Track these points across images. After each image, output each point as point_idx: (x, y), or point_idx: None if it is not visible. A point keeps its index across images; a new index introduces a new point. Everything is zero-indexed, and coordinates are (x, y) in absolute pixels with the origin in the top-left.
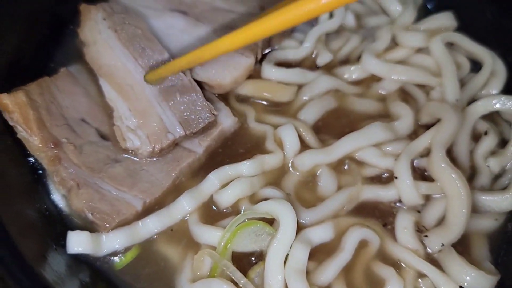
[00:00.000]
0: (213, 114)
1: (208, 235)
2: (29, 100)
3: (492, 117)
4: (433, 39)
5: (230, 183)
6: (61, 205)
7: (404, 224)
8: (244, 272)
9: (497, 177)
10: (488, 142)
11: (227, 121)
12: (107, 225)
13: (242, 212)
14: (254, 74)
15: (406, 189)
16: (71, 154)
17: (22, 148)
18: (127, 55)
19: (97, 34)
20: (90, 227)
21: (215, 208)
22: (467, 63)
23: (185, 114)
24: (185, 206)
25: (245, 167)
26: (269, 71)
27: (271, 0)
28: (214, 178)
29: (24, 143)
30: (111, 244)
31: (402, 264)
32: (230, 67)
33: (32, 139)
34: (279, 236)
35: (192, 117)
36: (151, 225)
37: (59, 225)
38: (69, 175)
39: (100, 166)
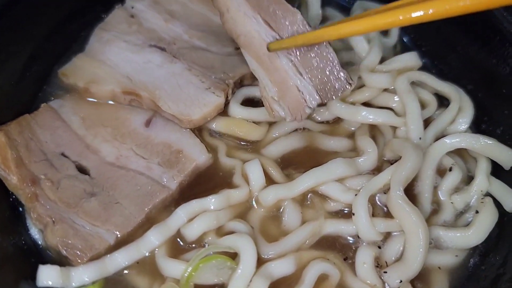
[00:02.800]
0: (349, 83)
1: (173, 268)
2: (8, 140)
3: (461, 153)
4: (399, 78)
5: (196, 217)
6: (38, 239)
7: (363, 259)
8: None
9: (461, 213)
10: (452, 179)
11: (201, 158)
12: (79, 260)
13: (206, 246)
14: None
15: (362, 226)
16: (48, 191)
17: (2, 184)
18: (259, 21)
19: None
20: (64, 260)
21: (180, 241)
22: (434, 101)
23: (321, 82)
24: (153, 240)
25: (212, 202)
26: (235, 110)
27: None
28: (181, 213)
29: (3, 181)
30: (80, 278)
31: None
32: (201, 104)
33: (10, 178)
34: (239, 270)
35: (329, 85)
36: (120, 260)
37: (35, 258)
38: (45, 212)
39: (76, 200)
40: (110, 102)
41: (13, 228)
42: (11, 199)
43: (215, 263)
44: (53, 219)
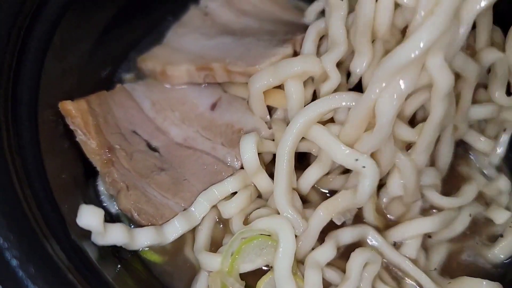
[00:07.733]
0: None
1: (212, 261)
2: (89, 108)
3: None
4: None
5: (234, 196)
6: (107, 206)
7: None
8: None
9: None
10: None
11: (261, 135)
12: (151, 225)
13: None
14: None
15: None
16: (123, 159)
17: (77, 152)
18: None
19: None
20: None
21: None
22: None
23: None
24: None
25: (230, 184)
26: None
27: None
28: (203, 201)
29: (81, 145)
30: (142, 240)
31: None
32: (269, 55)
33: (90, 142)
34: (281, 248)
35: None
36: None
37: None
38: (120, 177)
39: (148, 172)
40: (183, 86)
41: (87, 194)
42: (84, 167)
43: (256, 243)
44: (127, 184)
